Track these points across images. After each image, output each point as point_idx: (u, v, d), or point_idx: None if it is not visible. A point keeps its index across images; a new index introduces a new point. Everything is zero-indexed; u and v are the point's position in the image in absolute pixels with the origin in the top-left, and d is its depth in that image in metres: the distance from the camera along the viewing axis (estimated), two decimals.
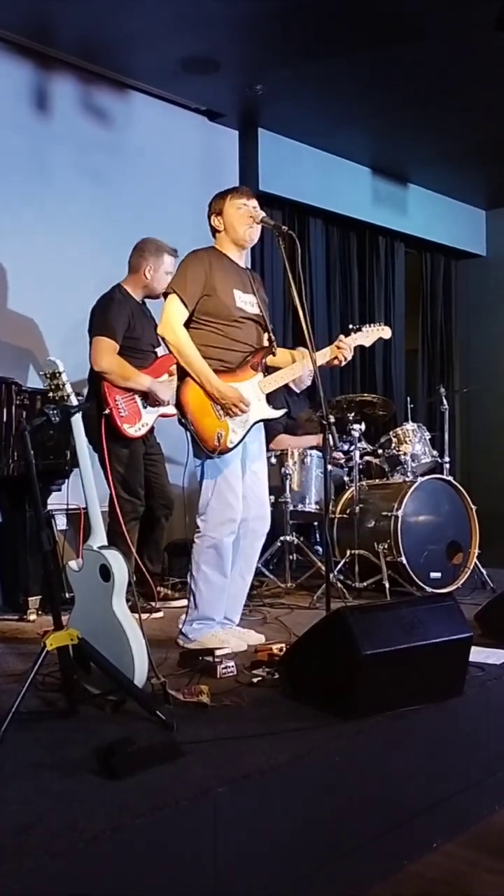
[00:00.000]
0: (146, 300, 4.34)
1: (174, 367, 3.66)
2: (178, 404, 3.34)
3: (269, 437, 5.25)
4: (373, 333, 3.86)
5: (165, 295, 3.41)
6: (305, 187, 6.46)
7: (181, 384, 3.35)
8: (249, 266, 3.90)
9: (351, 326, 3.88)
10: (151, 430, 4.25)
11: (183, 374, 3.35)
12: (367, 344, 3.87)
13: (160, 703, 2.56)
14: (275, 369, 3.58)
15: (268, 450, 5.17)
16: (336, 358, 3.64)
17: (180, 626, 3.44)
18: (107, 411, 4.00)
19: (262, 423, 3.54)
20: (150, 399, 4.14)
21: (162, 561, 4.62)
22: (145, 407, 4.16)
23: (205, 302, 3.37)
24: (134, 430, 4.11)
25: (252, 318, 3.49)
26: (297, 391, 5.63)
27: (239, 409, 3.32)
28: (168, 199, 5.57)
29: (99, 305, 4.21)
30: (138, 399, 4.14)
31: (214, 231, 3.54)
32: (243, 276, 3.54)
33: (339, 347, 3.64)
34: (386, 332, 3.91)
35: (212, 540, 3.35)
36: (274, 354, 3.55)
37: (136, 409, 4.13)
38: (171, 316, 3.33)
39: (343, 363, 3.69)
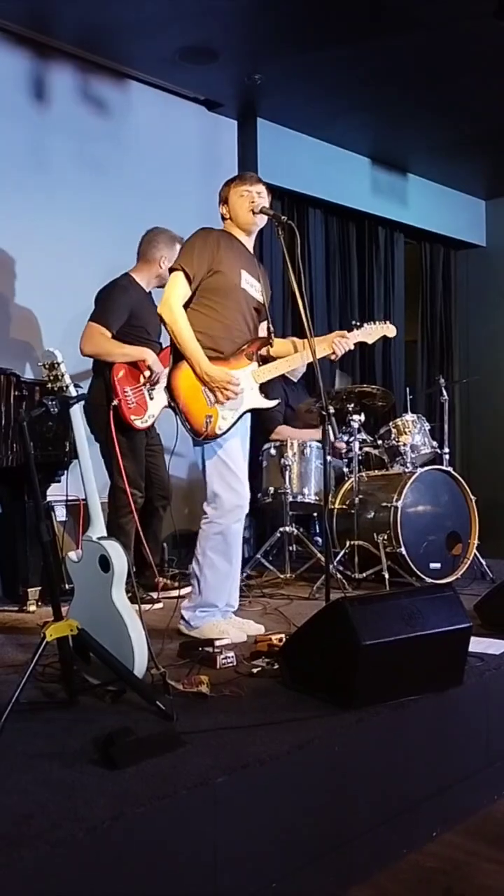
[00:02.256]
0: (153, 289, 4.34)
1: None
2: (169, 387, 3.34)
3: (270, 428, 5.25)
4: (376, 331, 3.81)
5: (171, 271, 3.39)
6: (304, 177, 6.44)
7: (173, 368, 3.34)
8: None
9: (354, 322, 3.84)
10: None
11: (176, 359, 3.35)
12: (370, 341, 3.83)
13: (160, 693, 2.56)
14: (273, 359, 3.57)
15: (268, 440, 5.19)
16: (333, 353, 3.62)
17: (182, 611, 3.44)
18: (115, 402, 4.01)
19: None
20: (152, 375, 4.11)
21: (160, 552, 4.63)
22: (152, 398, 4.16)
23: (210, 278, 3.36)
24: (141, 422, 4.13)
25: (254, 305, 3.48)
26: (294, 380, 5.63)
27: (230, 392, 3.31)
28: (167, 189, 5.56)
29: (103, 292, 4.21)
30: (146, 390, 4.13)
31: (223, 219, 3.54)
32: (251, 261, 3.53)
33: (341, 338, 3.61)
34: (391, 331, 3.87)
35: (219, 526, 3.36)
36: (272, 346, 3.54)
37: (143, 401, 4.14)
38: (172, 296, 3.32)
39: (337, 357, 3.66)
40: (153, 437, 4.36)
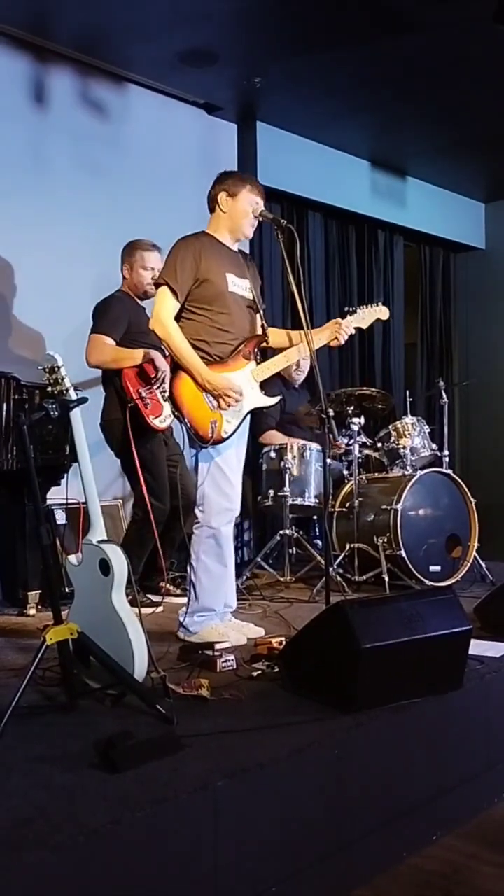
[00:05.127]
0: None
1: None
2: (172, 397, 3.34)
3: (260, 431, 5.24)
4: (370, 315, 3.79)
5: (157, 286, 3.39)
6: (304, 180, 6.44)
7: (174, 377, 3.35)
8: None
9: (347, 308, 3.83)
10: (171, 428, 4.26)
11: (175, 368, 3.35)
12: (364, 326, 3.81)
13: (160, 696, 2.57)
14: (271, 353, 3.58)
15: (256, 443, 5.18)
16: (335, 339, 3.62)
17: (180, 618, 3.44)
18: (132, 403, 4.02)
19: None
20: (158, 373, 4.11)
21: (170, 556, 4.62)
22: (165, 399, 4.17)
23: (198, 289, 3.35)
24: (159, 422, 4.16)
25: (245, 305, 3.48)
26: (296, 385, 5.62)
27: (231, 399, 3.31)
28: (166, 193, 5.56)
29: (99, 305, 4.27)
30: (157, 391, 4.14)
31: (215, 207, 3.48)
32: (236, 259, 3.52)
33: (337, 327, 3.62)
34: (384, 313, 3.85)
35: (210, 530, 3.36)
36: (267, 342, 3.54)
37: (157, 401, 4.15)
38: (161, 310, 3.32)
39: (341, 343, 3.66)
40: (172, 448, 4.37)
